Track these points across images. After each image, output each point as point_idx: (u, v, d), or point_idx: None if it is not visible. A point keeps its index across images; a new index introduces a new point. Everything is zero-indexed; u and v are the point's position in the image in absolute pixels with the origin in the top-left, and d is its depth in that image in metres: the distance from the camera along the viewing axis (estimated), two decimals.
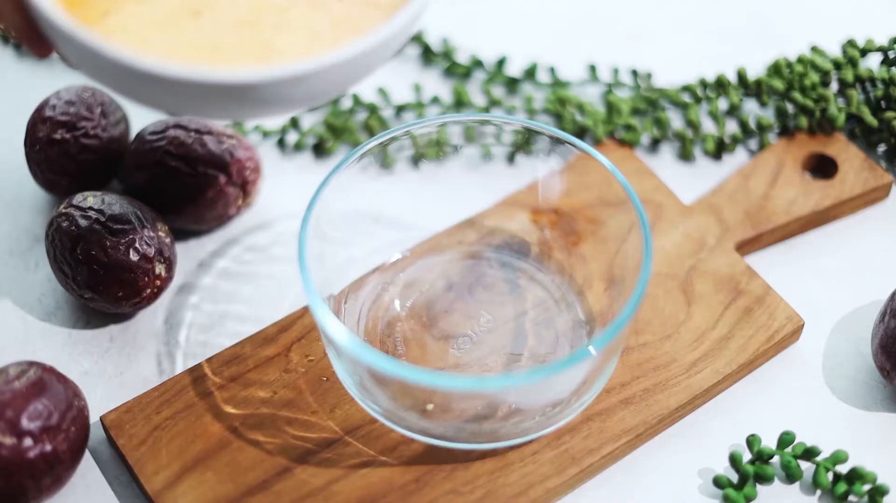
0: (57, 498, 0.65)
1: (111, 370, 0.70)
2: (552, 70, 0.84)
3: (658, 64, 0.85)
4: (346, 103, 0.83)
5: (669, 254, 0.73)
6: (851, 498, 0.65)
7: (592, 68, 0.84)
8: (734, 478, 0.66)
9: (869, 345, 0.71)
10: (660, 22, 0.89)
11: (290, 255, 0.75)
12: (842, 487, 0.64)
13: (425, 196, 0.76)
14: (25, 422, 0.61)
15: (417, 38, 0.85)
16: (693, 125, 0.81)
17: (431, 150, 0.75)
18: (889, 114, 0.79)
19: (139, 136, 0.74)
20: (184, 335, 0.72)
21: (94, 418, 0.68)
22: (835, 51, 0.85)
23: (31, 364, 0.63)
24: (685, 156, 0.80)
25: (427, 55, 0.85)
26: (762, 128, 0.80)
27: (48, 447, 0.61)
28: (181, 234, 0.75)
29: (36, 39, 0.59)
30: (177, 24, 0.59)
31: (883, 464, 0.66)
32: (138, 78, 0.55)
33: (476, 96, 0.83)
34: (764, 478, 0.65)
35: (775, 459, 0.66)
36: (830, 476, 0.65)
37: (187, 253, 0.75)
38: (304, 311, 0.70)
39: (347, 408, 0.66)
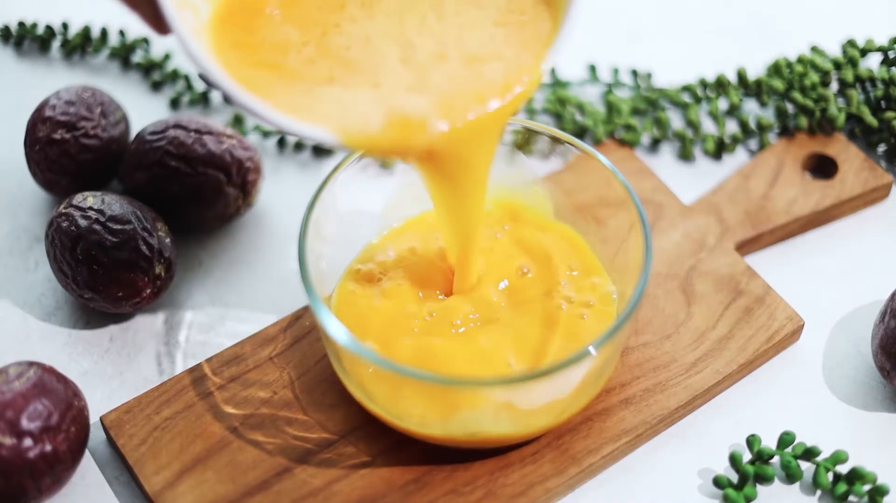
0: (57, 498, 0.65)
1: (111, 370, 0.70)
2: (552, 70, 0.84)
3: (658, 64, 0.85)
4: None
5: (669, 254, 0.73)
6: (851, 498, 0.65)
7: (592, 68, 0.84)
8: (734, 478, 0.66)
9: (869, 345, 0.71)
10: (660, 22, 0.89)
11: (290, 255, 0.75)
12: (842, 487, 0.64)
13: (426, 196, 0.76)
14: (25, 423, 0.61)
15: None
16: (693, 125, 0.81)
17: None
18: (889, 114, 0.79)
19: (139, 136, 0.74)
20: (184, 335, 0.72)
21: (94, 418, 0.68)
22: (835, 51, 0.85)
23: (31, 364, 0.63)
24: (685, 156, 0.80)
25: None
26: (762, 128, 0.80)
27: (48, 447, 0.61)
28: (181, 234, 0.75)
29: (161, 23, 0.58)
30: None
31: (883, 464, 0.66)
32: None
33: None
34: (764, 478, 0.65)
35: (775, 459, 0.66)
36: (830, 476, 0.65)
37: (187, 253, 0.75)
38: (304, 311, 0.70)
39: (347, 408, 0.66)
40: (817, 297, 0.73)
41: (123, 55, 0.85)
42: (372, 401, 0.64)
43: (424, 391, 0.62)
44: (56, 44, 0.86)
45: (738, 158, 0.80)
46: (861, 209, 0.77)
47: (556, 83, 0.83)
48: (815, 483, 0.65)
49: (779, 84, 0.80)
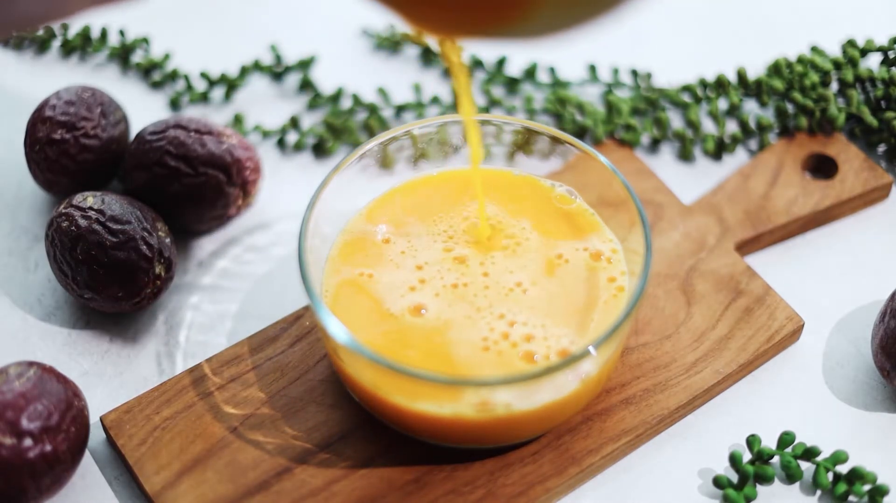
0: (57, 498, 0.65)
1: (111, 370, 0.70)
2: (552, 70, 0.84)
3: (658, 64, 0.85)
4: (346, 103, 0.83)
5: (669, 254, 0.73)
6: (851, 498, 0.65)
7: (592, 68, 0.84)
8: (734, 478, 0.66)
9: (869, 345, 0.71)
10: (660, 22, 0.89)
11: (290, 255, 0.75)
12: (842, 487, 0.64)
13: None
14: (25, 423, 0.61)
15: (417, 39, 0.85)
16: (693, 125, 0.81)
17: (431, 150, 0.75)
18: (889, 114, 0.79)
19: (139, 136, 0.74)
20: (184, 335, 0.72)
21: (94, 418, 0.68)
22: (835, 51, 0.85)
23: (31, 364, 0.63)
24: (685, 156, 0.80)
25: (427, 55, 0.86)
26: (762, 128, 0.80)
27: (48, 447, 0.61)
28: (181, 234, 0.75)
29: None
30: None
31: (883, 464, 0.66)
32: None
33: (476, 96, 0.83)
34: (764, 478, 0.65)
35: (775, 459, 0.66)
36: (830, 476, 0.65)
37: (187, 253, 0.75)
38: (304, 311, 0.70)
39: (347, 408, 0.66)
40: (817, 297, 0.73)
41: (123, 55, 0.85)
42: (371, 399, 0.64)
43: (423, 390, 0.62)
44: (56, 44, 0.86)
45: (738, 158, 0.80)
46: (861, 209, 0.77)
47: (556, 83, 0.83)
48: (815, 483, 0.65)
49: (779, 84, 0.80)
